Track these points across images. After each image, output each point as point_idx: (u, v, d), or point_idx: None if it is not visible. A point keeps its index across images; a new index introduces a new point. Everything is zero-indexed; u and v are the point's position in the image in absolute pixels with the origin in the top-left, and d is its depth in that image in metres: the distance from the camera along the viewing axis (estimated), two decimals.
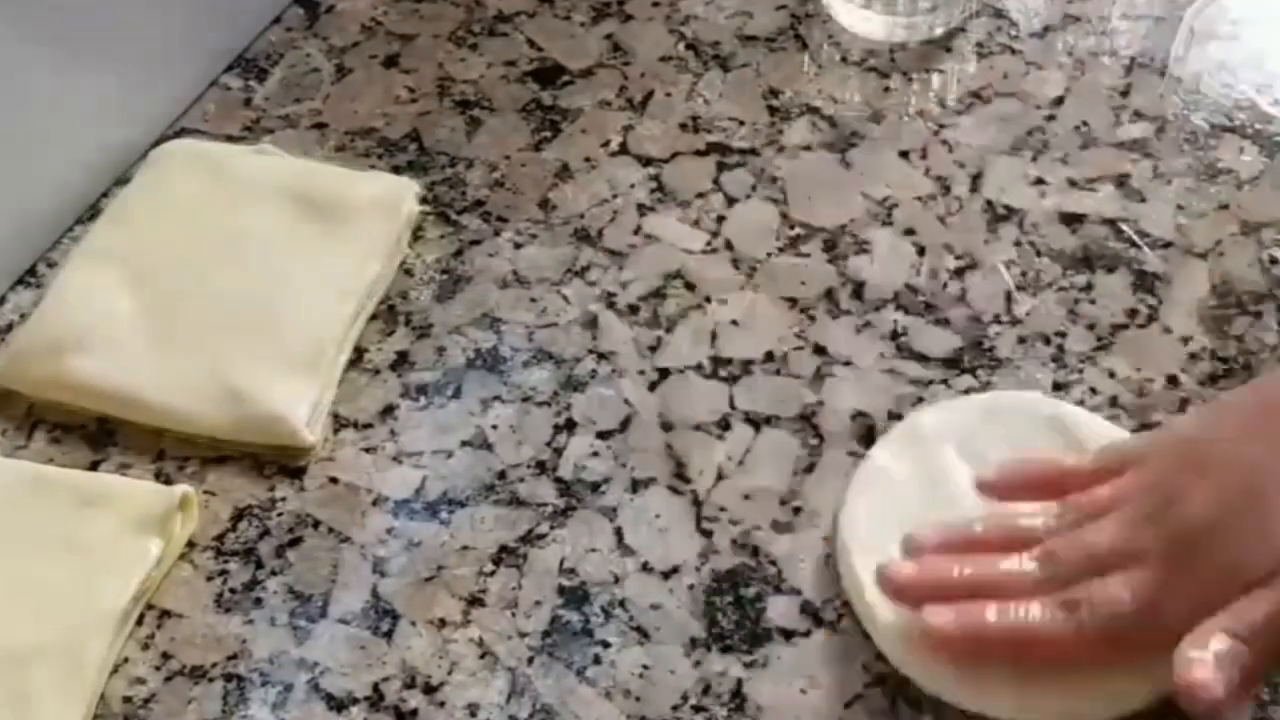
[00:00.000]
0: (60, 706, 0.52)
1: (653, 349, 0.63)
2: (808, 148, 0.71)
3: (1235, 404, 0.55)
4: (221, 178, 0.69)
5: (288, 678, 0.54)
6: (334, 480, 0.60)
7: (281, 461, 0.60)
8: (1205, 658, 0.46)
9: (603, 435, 0.61)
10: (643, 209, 0.69)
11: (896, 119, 0.72)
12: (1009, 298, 0.64)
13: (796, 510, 0.58)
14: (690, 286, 0.66)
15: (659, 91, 0.75)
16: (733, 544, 0.57)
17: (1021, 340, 0.62)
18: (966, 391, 0.61)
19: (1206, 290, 0.63)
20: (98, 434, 0.62)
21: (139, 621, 0.56)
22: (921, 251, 0.66)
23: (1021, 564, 0.52)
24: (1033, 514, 0.54)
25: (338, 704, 0.53)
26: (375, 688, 0.54)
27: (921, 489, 0.57)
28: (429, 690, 0.53)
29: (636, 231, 0.68)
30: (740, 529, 0.57)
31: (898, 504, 0.56)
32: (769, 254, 0.67)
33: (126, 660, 0.55)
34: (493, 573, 0.56)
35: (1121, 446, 0.55)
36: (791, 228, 0.68)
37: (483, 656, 0.54)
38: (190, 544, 0.58)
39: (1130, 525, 0.51)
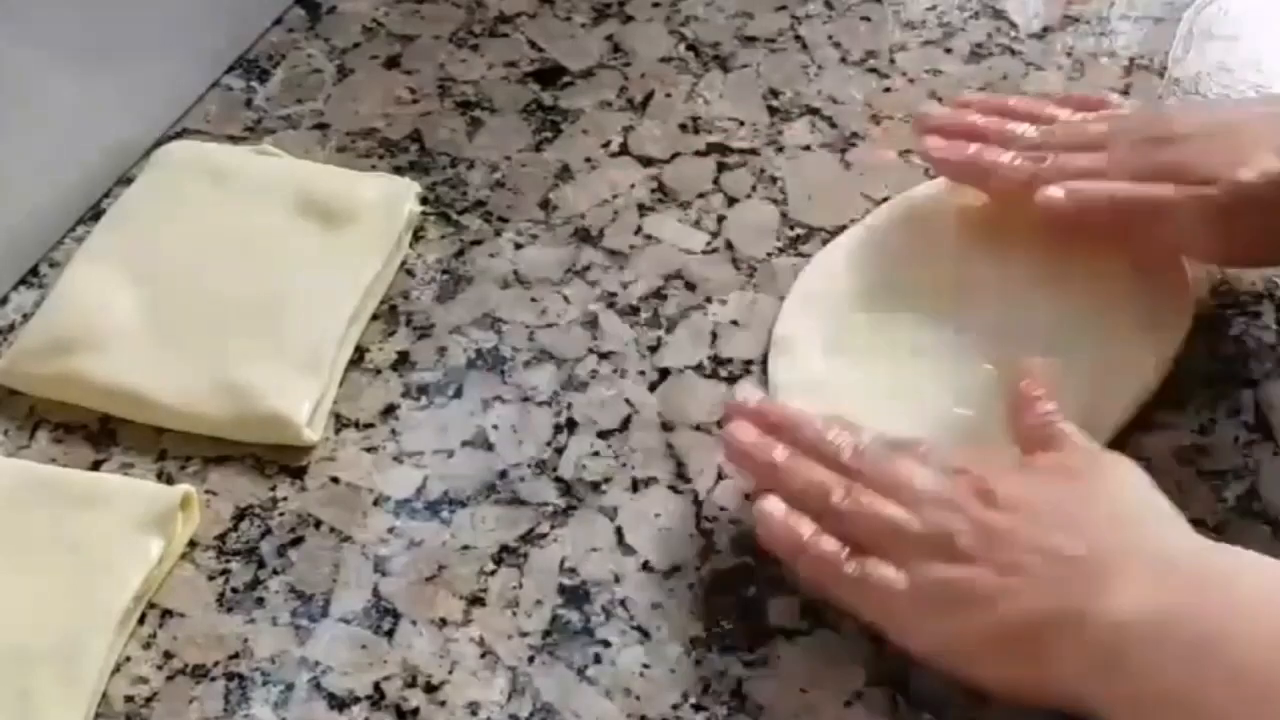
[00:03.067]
0: (62, 706, 0.52)
1: (653, 349, 0.64)
2: (808, 148, 0.71)
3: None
4: (223, 178, 0.69)
5: (289, 677, 0.54)
6: (335, 480, 0.60)
7: (283, 461, 0.60)
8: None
9: (603, 435, 0.61)
10: (643, 209, 0.69)
11: (896, 119, 0.72)
12: None
13: None
14: (690, 286, 0.66)
15: (659, 92, 0.75)
16: (733, 544, 0.57)
17: None
18: None
19: (1206, 290, 0.63)
20: (100, 434, 0.62)
21: (141, 621, 0.56)
22: None
23: (1026, 129, 0.64)
24: (1061, 111, 0.65)
25: (339, 703, 0.53)
26: (376, 687, 0.54)
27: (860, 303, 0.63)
28: (430, 689, 0.54)
29: (637, 232, 0.68)
30: (740, 529, 0.57)
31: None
32: (769, 254, 0.67)
33: (128, 659, 0.55)
34: (493, 572, 0.57)
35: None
36: (791, 228, 0.68)
37: (483, 656, 0.54)
38: (192, 543, 0.58)
39: (1120, 125, 0.62)
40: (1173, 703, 0.44)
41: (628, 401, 0.62)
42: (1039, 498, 0.50)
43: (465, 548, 0.57)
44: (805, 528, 0.52)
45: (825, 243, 0.67)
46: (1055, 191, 0.59)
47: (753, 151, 0.71)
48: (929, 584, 0.50)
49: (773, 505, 0.53)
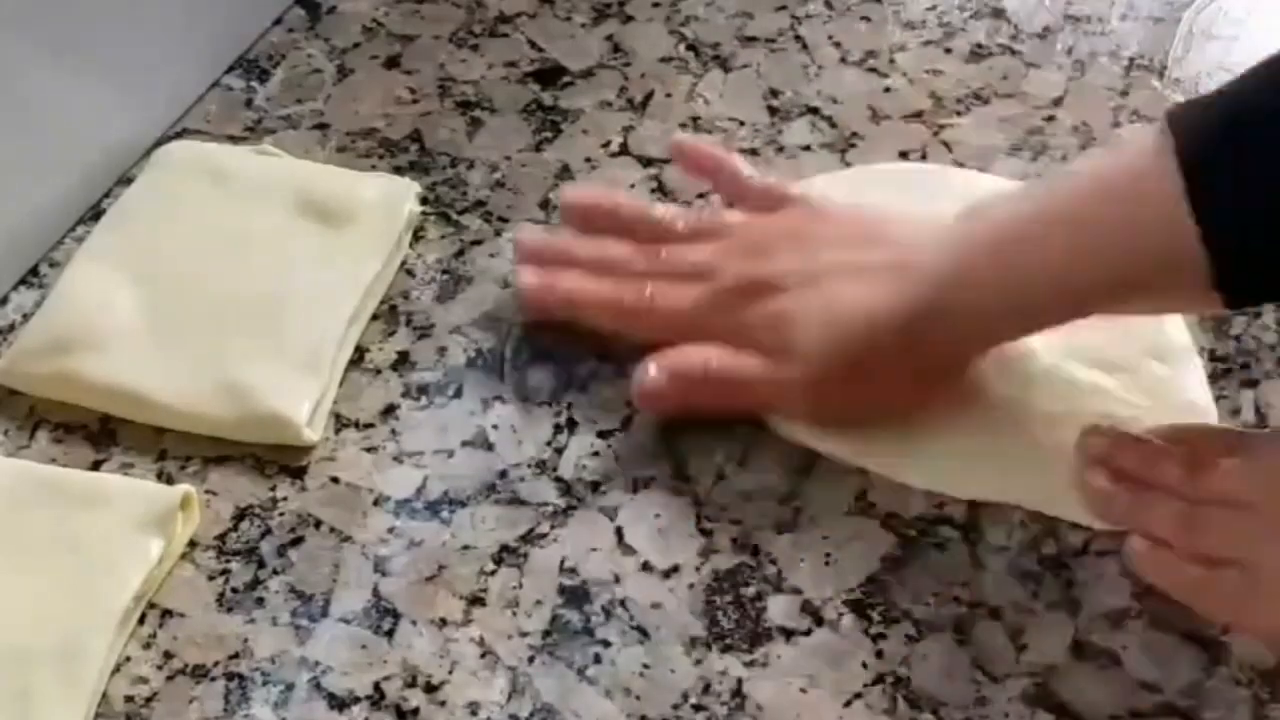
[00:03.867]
0: (61, 706, 0.52)
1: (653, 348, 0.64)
2: (808, 148, 0.71)
3: (865, 219, 0.63)
4: (223, 178, 0.69)
5: (289, 677, 0.54)
6: (335, 480, 0.60)
7: (283, 461, 0.60)
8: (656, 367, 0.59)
9: (603, 435, 0.61)
10: None
11: (896, 119, 0.72)
12: None
13: (796, 510, 0.58)
14: None
15: (659, 92, 0.75)
16: (733, 544, 0.57)
17: None
18: None
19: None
20: (100, 434, 0.62)
21: (141, 621, 0.56)
22: None
23: (630, 255, 0.62)
24: (671, 214, 0.64)
25: (339, 703, 0.53)
26: (376, 687, 0.54)
27: None
28: (430, 689, 0.54)
29: None
30: (740, 529, 0.57)
31: None
32: None
33: (128, 659, 0.55)
34: (493, 572, 0.57)
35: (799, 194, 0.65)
36: None
37: (483, 656, 0.54)
38: (192, 543, 0.58)
39: (727, 253, 0.61)
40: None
41: (627, 402, 0.62)
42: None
43: (465, 548, 0.57)
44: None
45: None
46: (651, 375, 0.59)
47: (753, 151, 0.71)
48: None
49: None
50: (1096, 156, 0.56)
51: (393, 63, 0.77)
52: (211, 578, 0.57)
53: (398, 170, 0.71)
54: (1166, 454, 0.53)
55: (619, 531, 0.58)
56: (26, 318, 0.65)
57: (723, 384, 0.59)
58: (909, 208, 0.61)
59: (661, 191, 0.70)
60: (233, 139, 0.74)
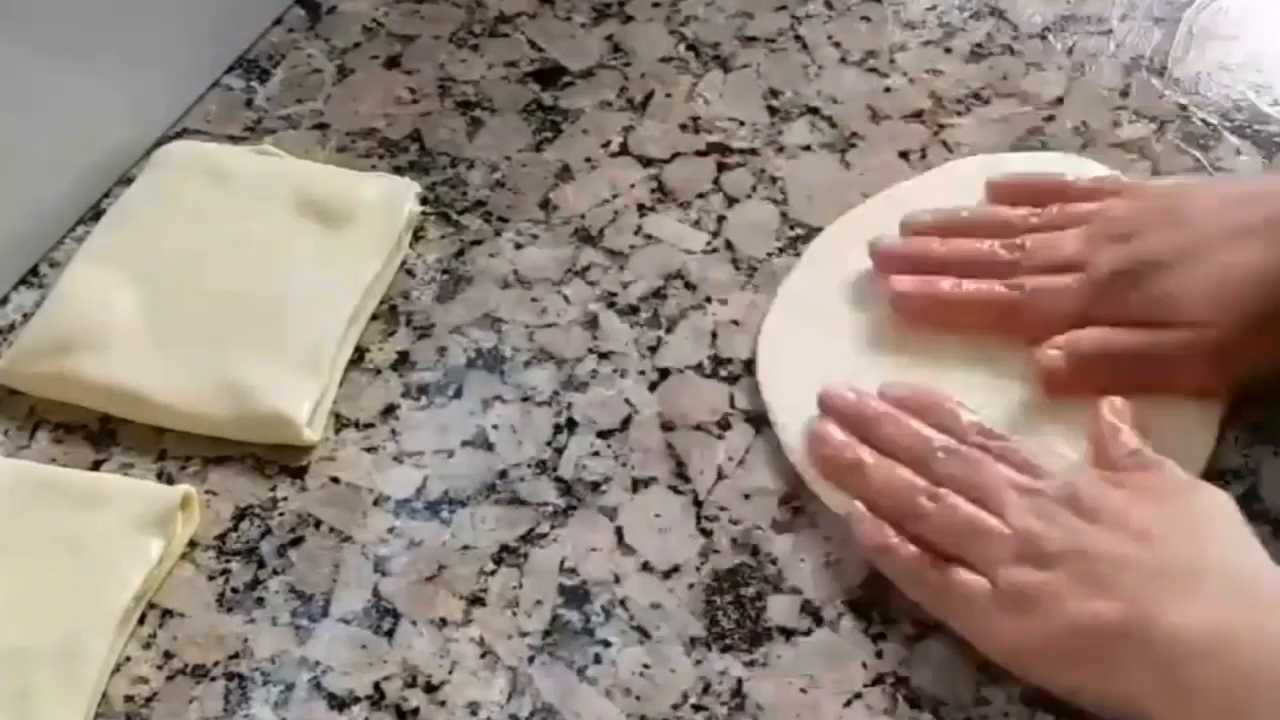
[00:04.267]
0: (62, 706, 0.52)
1: (653, 349, 0.64)
2: (808, 148, 0.71)
3: (1229, 185, 0.63)
4: (223, 178, 0.69)
5: (289, 677, 0.54)
6: (335, 480, 0.60)
7: (283, 461, 0.60)
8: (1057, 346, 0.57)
9: (603, 435, 0.61)
10: (643, 209, 0.69)
11: (896, 119, 0.72)
12: None
13: (796, 510, 0.58)
14: (690, 286, 0.66)
15: (659, 92, 0.75)
16: (733, 544, 0.57)
17: None
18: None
19: None
20: (100, 434, 0.62)
21: (141, 621, 0.56)
22: None
23: (994, 248, 0.61)
24: (1020, 213, 0.62)
25: (339, 703, 0.53)
26: (376, 687, 0.54)
27: (841, 308, 0.63)
28: (430, 689, 0.54)
29: (637, 232, 0.68)
30: (740, 529, 0.57)
31: (818, 327, 0.62)
32: (769, 254, 0.67)
33: (128, 659, 0.55)
34: (493, 572, 0.57)
35: (1125, 179, 0.63)
36: (791, 228, 0.68)
37: (483, 656, 0.54)
38: (192, 543, 0.58)
39: (1094, 240, 0.59)
40: None
41: (628, 401, 0.62)
42: (1128, 512, 0.51)
43: (465, 548, 0.57)
44: (888, 533, 0.54)
45: None
46: (1054, 355, 0.57)
47: (753, 151, 0.71)
48: (1012, 589, 0.50)
49: (856, 507, 0.55)
50: None
51: (393, 63, 0.77)
52: (211, 578, 0.57)
53: (398, 170, 0.71)
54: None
55: (619, 531, 0.58)
56: (26, 318, 0.65)
57: (1124, 361, 0.57)
58: None
59: (661, 192, 0.70)
60: (233, 139, 0.74)
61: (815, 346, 0.62)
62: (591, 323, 0.65)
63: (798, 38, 0.77)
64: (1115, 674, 0.48)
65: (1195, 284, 0.56)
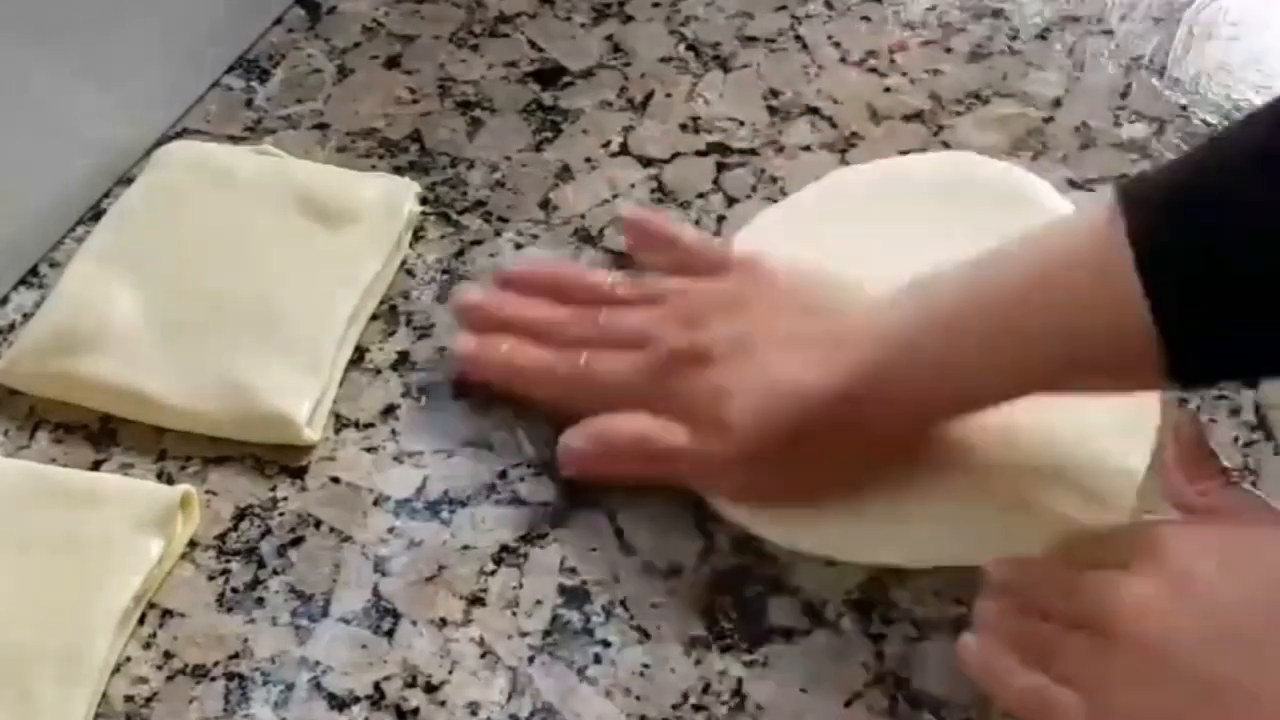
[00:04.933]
0: (62, 706, 0.52)
1: None
2: (808, 148, 0.71)
3: (794, 282, 0.60)
4: (223, 178, 0.69)
5: (289, 677, 0.54)
6: (335, 480, 0.60)
7: (283, 461, 0.60)
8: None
9: None
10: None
11: (896, 119, 0.72)
12: None
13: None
14: None
15: (659, 92, 0.75)
16: (733, 544, 0.57)
17: None
18: None
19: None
20: (100, 434, 0.62)
21: (141, 621, 0.56)
22: None
23: (565, 316, 0.60)
24: (610, 280, 0.62)
25: (339, 703, 0.53)
26: (376, 687, 0.54)
27: None
28: (430, 689, 0.54)
29: None
30: (741, 529, 0.57)
31: None
32: None
33: (128, 659, 0.55)
34: (493, 572, 0.57)
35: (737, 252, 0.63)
36: None
37: (484, 655, 0.54)
38: (192, 543, 0.58)
39: (663, 320, 0.58)
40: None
41: None
42: None
43: (465, 548, 0.57)
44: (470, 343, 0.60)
45: None
46: (579, 443, 0.57)
47: (753, 151, 0.71)
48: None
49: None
50: (1042, 232, 0.52)
51: (393, 63, 0.77)
52: (211, 578, 0.57)
53: (398, 170, 0.71)
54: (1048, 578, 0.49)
55: (619, 531, 0.58)
56: (26, 318, 0.65)
57: (651, 455, 0.56)
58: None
59: (661, 191, 0.70)
60: (233, 139, 0.74)
61: None
62: None
63: (798, 38, 0.77)
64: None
65: (741, 383, 0.55)
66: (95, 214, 0.70)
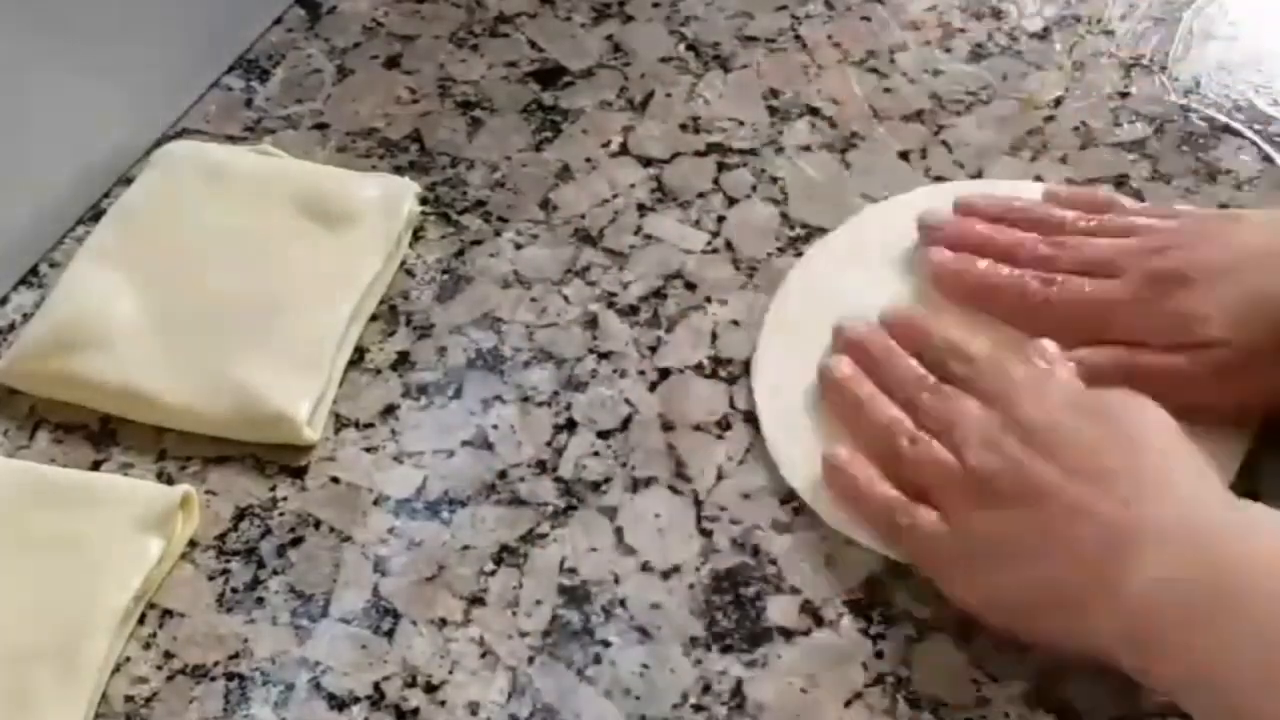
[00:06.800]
0: (61, 706, 0.52)
1: (653, 349, 0.64)
2: (808, 148, 0.71)
3: (1273, 212, 0.62)
4: (223, 178, 0.69)
5: (289, 677, 0.54)
6: (335, 480, 0.60)
7: (283, 461, 0.60)
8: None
9: (603, 435, 0.61)
10: (643, 209, 0.69)
11: (896, 119, 0.72)
12: None
13: (796, 510, 0.58)
14: (690, 286, 0.66)
15: (659, 92, 0.75)
16: (733, 544, 0.57)
17: None
18: None
19: None
20: (100, 434, 0.62)
21: (141, 621, 0.56)
22: None
23: (1035, 241, 0.61)
24: (1071, 215, 0.62)
25: (339, 703, 0.53)
26: (376, 687, 0.54)
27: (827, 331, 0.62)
28: (430, 689, 0.54)
29: (637, 232, 0.68)
30: (740, 529, 0.57)
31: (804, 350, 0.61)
32: (769, 254, 0.67)
33: (128, 659, 0.55)
34: (493, 572, 0.57)
35: (1181, 207, 0.64)
36: (791, 228, 0.68)
37: (483, 656, 0.54)
38: (192, 543, 0.58)
39: (1132, 249, 0.59)
40: (1203, 682, 0.45)
41: (628, 401, 0.62)
42: (1072, 441, 0.52)
43: (465, 548, 0.57)
44: (864, 473, 0.56)
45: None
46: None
47: (753, 151, 0.71)
48: (970, 535, 0.52)
49: (837, 451, 0.57)
50: None
51: (393, 63, 0.77)
52: (211, 578, 0.57)
53: (398, 170, 0.71)
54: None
55: (619, 531, 0.58)
56: (27, 318, 0.65)
57: (1140, 379, 0.55)
58: None
59: (661, 192, 0.70)
60: (233, 139, 0.74)
61: (805, 368, 0.61)
62: (591, 323, 0.65)
63: (798, 38, 0.77)
64: (1090, 627, 0.48)
65: (1221, 302, 0.56)
66: (95, 214, 0.70)
